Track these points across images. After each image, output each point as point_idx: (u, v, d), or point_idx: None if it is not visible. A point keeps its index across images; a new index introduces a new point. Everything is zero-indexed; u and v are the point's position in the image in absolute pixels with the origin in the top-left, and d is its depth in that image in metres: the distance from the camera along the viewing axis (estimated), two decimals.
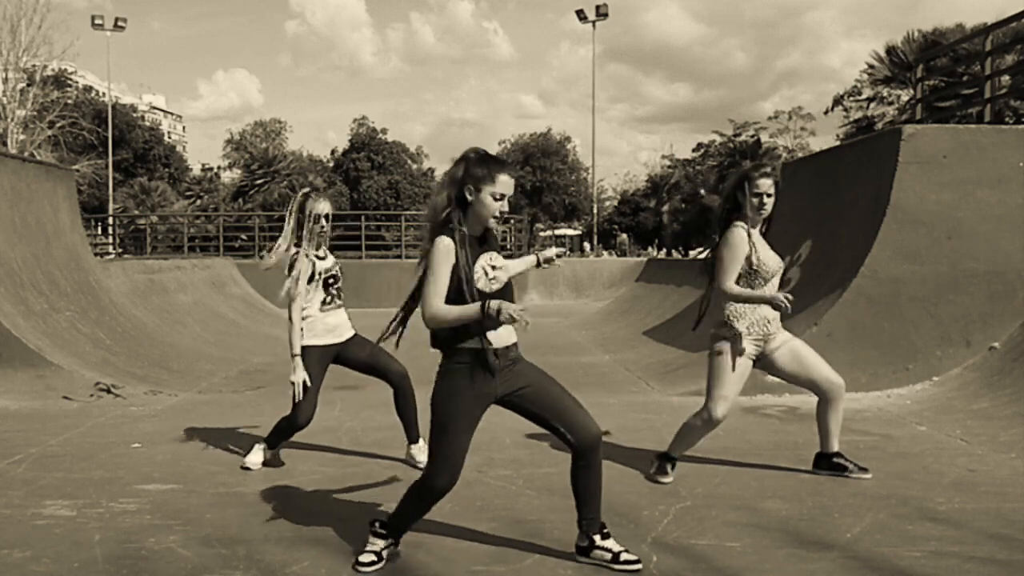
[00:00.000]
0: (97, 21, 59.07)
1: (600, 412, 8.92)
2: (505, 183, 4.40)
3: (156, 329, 14.02)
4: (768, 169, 6.34)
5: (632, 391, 10.52)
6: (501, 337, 4.47)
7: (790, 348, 6.32)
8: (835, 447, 6.48)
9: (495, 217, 4.43)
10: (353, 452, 7.25)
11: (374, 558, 4.58)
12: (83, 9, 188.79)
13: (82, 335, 11.52)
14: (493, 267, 4.45)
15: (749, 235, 6.25)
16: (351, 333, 6.80)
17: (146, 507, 5.71)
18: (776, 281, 6.33)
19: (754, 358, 6.32)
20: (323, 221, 6.70)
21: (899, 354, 9.97)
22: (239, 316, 18.88)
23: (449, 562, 4.64)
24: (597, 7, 58.99)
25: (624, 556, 4.56)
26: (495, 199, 4.38)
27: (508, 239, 39.01)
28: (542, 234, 69.50)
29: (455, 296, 4.32)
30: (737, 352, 6.20)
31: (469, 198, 4.39)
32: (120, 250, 37.79)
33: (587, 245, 61.94)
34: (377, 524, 4.66)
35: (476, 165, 4.40)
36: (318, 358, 6.63)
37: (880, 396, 9.52)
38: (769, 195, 6.19)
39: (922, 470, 6.60)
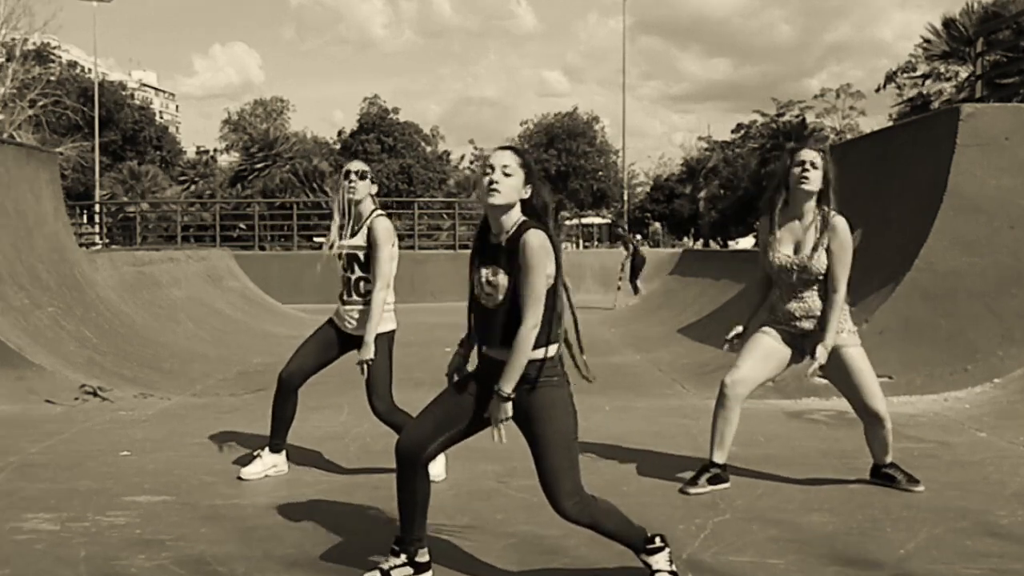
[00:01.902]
0: None
1: (631, 416, 8.97)
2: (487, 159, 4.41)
3: (147, 326, 13.99)
4: (815, 142, 6.31)
5: (666, 394, 10.51)
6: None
7: (844, 355, 6.25)
8: (884, 460, 6.46)
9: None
10: (361, 460, 7.24)
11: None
12: None
13: (66, 333, 11.51)
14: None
15: (771, 224, 6.36)
16: (357, 331, 6.69)
17: (136, 521, 5.70)
18: (788, 279, 6.31)
19: (791, 346, 6.37)
20: (352, 178, 6.53)
21: (957, 354, 9.92)
22: (237, 312, 18.89)
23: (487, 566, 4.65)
24: None
25: None
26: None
27: None
28: (568, 223, 69.38)
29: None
30: (754, 330, 6.43)
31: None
32: (108, 240, 37.87)
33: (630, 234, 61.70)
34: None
35: None
36: (321, 330, 6.79)
37: (936, 399, 9.48)
38: (815, 166, 6.14)
39: (982, 480, 6.58)
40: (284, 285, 24.25)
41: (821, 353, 6.06)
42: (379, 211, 6.60)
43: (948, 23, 48.07)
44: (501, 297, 4.32)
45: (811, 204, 6.24)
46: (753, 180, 69.07)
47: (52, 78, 53.17)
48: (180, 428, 8.56)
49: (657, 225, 76.84)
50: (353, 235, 6.56)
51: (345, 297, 6.65)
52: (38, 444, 7.84)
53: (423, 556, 4.65)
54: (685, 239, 79.53)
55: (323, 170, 66.16)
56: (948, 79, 50.82)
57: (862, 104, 73.37)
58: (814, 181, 6.15)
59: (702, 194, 78.49)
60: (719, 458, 6.39)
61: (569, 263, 31.38)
